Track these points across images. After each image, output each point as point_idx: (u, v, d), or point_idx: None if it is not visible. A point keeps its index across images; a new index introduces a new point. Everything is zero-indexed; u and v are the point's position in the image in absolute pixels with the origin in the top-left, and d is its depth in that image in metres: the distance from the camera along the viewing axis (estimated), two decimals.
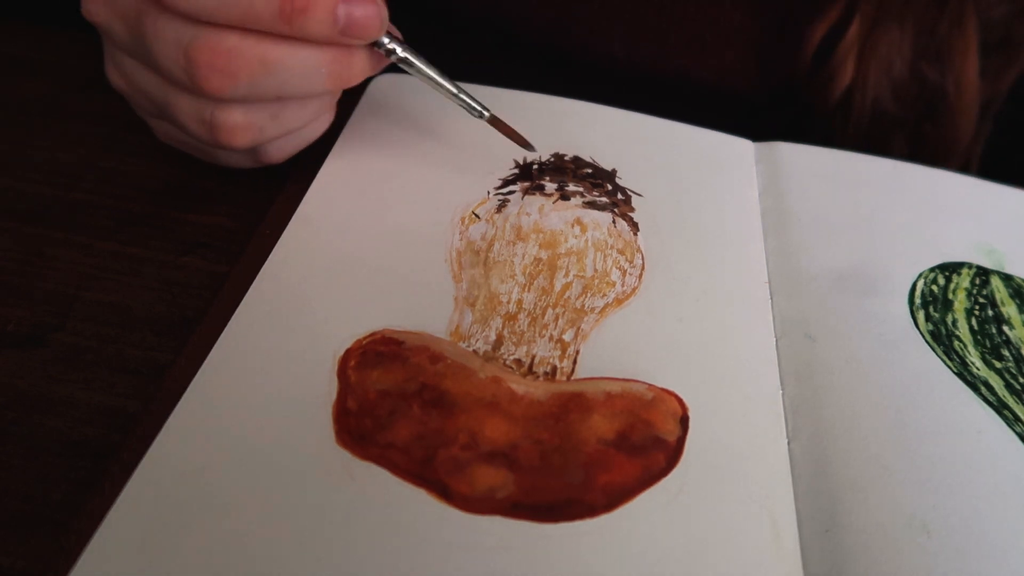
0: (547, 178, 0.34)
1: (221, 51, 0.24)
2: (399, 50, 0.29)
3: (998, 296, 0.32)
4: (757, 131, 0.38)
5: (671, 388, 0.26)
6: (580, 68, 0.43)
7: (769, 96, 0.44)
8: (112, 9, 0.26)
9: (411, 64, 0.29)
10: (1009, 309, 0.32)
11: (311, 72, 0.26)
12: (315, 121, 0.30)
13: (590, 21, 0.43)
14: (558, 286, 0.29)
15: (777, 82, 0.44)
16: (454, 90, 0.31)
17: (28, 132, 0.35)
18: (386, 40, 0.28)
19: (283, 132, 0.29)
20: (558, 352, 0.27)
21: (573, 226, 0.32)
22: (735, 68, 0.43)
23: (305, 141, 0.31)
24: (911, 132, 0.43)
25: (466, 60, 0.32)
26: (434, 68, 0.30)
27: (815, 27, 0.41)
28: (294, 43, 0.25)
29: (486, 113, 0.31)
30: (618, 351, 0.27)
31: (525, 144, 0.33)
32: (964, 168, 0.44)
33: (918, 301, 0.31)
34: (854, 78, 0.41)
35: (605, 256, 0.31)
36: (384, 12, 0.26)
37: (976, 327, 0.31)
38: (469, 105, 0.31)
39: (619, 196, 0.34)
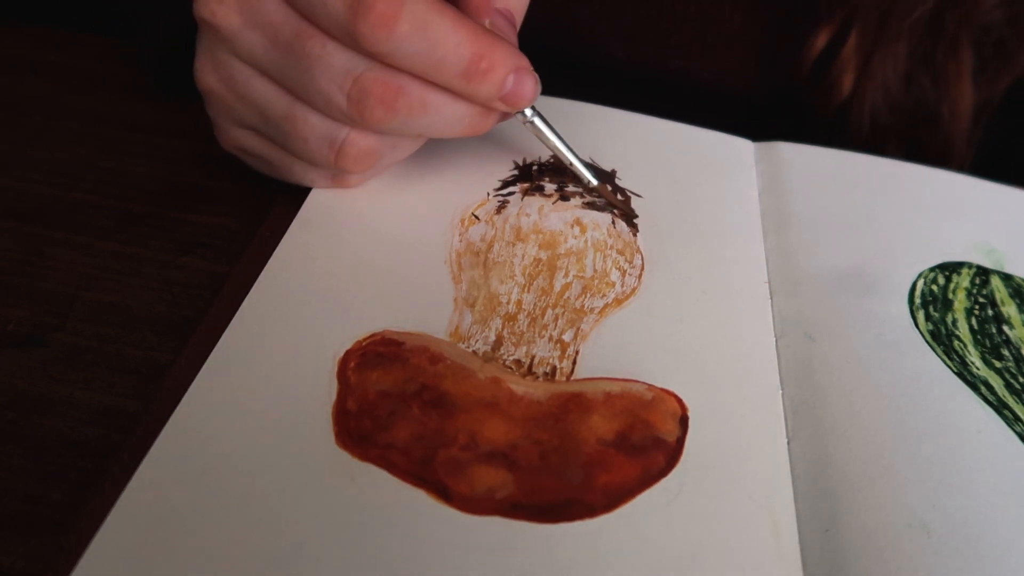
0: (546, 179, 0.34)
1: (392, 87, 0.26)
2: (537, 121, 0.31)
3: (998, 296, 0.32)
4: (757, 132, 0.38)
5: (671, 388, 0.26)
6: (581, 69, 0.43)
7: (769, 98, 0.44)
8: (251, 18, 0.26)
9: (537, 129, 0.31)
10: (1009, 309, 0.32)
11: (457, 121, 0.28)
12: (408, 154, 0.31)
13: (591, 23, 0.43)
14: (558, 287, 0.29)
15: (777, 85, 0.44)
16: (573, 159, 0.32)
17: (28, 132, 0.35)
18: (528, 112, 0.30)
19: (393, 162, 0.30)
20: (558, 352, 0.27)
21: (572, 227, 0.32)
22: (735, 70, 0.43)
23: (384, 171, 0.32)
24: (906, 141, 0.43)
25: None
26: (558, 136, 0.32)
27: (815, 36, 0.41)
28: (452, 94, 0.27)
29: (594, 183, 0.33)
30: (618, 351, 0.27)
31: (625, 212, 0.33)
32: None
33: (918, 301, 0.31)
34: (852, 91, 0.42)
35: (605, 256, 0.31)
36: (538, 88, 0.28)
37: (976, 327, 0.31)
38: (583, 175, 0.33)
39: (619, 197, 0.34)
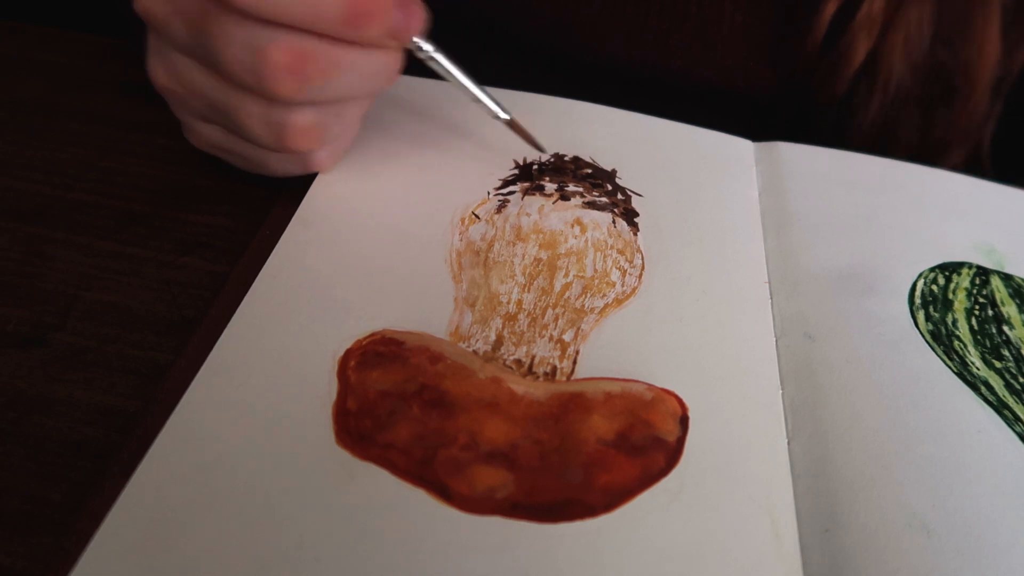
0: (547, 178, 0.34)
1: (295, 53, 0.25)
2: (431, 51, 0.30)
3: (998, 296, 0.32)
4: (761, 130, 0.38)
5: (671, 388, 0.26)
6: (581, 69, 0.43)
7: (776, 92, 0.44)
8: (172, 6, 0.26)
9: (438, 64, 0.30)
10: (1009, 309, 0.32)
11: (372, 73, 0.27)
12: (358, 124, 0.31)
13: (591, 22, 0.42)
14: (558, 286, 0.29)
15: (784, 76, 0.43)
16: (477, 91, 0.32)
17: (28, 132, 0.35)
18: (427, 47, 0.30)
19: (343, 131, 0.30)
20: (558, 352, 0.27)
21: (573, 226, 0.32)
22: (737, 67, 0.43)
23: (348, 145, 0.32)
24: (924, 113, 0.43)
25: (467, 60, 0.32)
26: (459, 68, 0.31)
27: (826, 5, 0.41)
28: (356, 46, 0.26)
29: (505, 116, 0.32)
30: (618, 351, 0.27)
31: (538, 147, 0.34)
32: (975, 150, 0.44)
33: (918, 301, 0.31)
34: (874, 56, 0.41)
35: (605, 256, 0.31)
36: (425, 16, 0.28)
37: (976, 327, 0.31)
38: (489, 107, 0.32)
39: (619, 196, 0.34)
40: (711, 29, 0.42)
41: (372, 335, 0.26)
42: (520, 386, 0.26)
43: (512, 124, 0.33)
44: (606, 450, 0.24)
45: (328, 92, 0.27)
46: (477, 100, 0.32)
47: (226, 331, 0.26)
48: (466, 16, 0.42)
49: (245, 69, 0.25)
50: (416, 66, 0.31)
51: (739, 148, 0.38)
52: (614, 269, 0.30)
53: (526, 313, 0.28)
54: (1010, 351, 0.30)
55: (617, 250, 0.31)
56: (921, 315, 0.30)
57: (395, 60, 0.28)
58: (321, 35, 0.26)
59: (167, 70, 0.28)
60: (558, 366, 0.27)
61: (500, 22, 0.43)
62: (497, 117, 0.32)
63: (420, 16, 0.27)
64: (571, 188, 0.33)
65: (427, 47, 0.30)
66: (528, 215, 0.32)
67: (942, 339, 0.30)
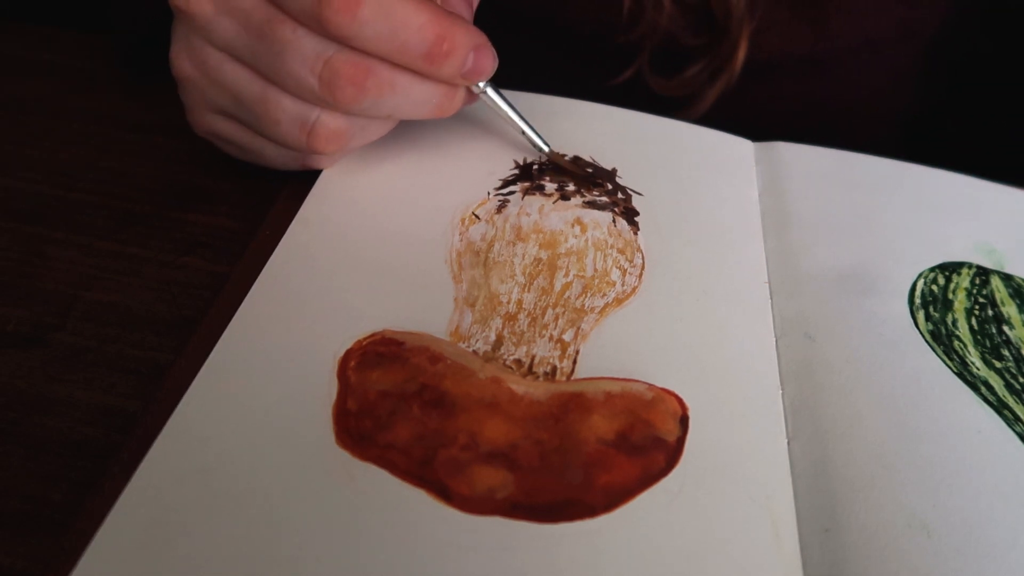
0: (547, 178, 0.34)
1: (362, 67, 0.27)
2: (490, 91, 0.32)
3: (998, 296, 0.32)
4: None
5: (671, 388, 0.26)
6: (579, 42, 0.43)
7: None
8: (224, 6, 0.27)
9: (489, 99, 0.32)
10: (1009, 309, 0.32)
11: (424, 102, 0.29)
12: (376, 137, 0.32)
13: None
14: (558, 286, 0.29)
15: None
16: (524, 127, 0.33)
17: (28, 132, 0.35)
18: (481, 83, 0.31)
19: (363, 143, 0.31)
20: (558, 352, 0.27)
21: (573, 226, 0.32)
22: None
23: (352, 152, 0.33)
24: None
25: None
26: (510, 104, 0.33)
27: None
28: (419, 76, 0.28)
29: (547, 149, 0.34)
30: (618, 351, 0.27)
31: (586, 175, 0.35)
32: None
33: (918, 301, 0.31)
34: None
35: (605, 256, 0.31)
36: (496, 61, 0.29)
37: (976, 327, 0.31)
38: (534, 142, 0.34)
39: (619, 195, 0.34)
40: None
41: (372, 335, 0.26)
42: (520, 386, 0.26)
43: (554, 156, 0.34)
44: (606, 450, 0.24)
45: (378, 109, 0.28)
46: (523, 134, 0.34)
47: (226, 331, 0.26)
48: None
49: (308, 73, 0.27)
50: None
51: (739, 148, 0.38)
52: (614, 268, 0.30)
53: (526, 313, 0.28)
54: (1010, 351, 0.30)
55: (617, 249, 0.31)
56: (921, 315, 0.30)
57: (453, 96, 0.29)
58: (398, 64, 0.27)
59: (195, 62, 0.29)
60: (558, 366, 0.27)
61: None
62: (540, 151, 0.34)
63: (492, 62, 0.29)
64: (571, 188, 0.33)
65: (482, 84, 0.31)
66: (528, 215, 0.32)
67: (942, 339, 0.30)
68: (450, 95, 0.29)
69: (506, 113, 0.33)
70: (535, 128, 0.34)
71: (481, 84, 0.31)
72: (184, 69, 0.29)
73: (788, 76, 0.45)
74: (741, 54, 0.41)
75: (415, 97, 0.28)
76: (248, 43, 0.27)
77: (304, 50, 0.26)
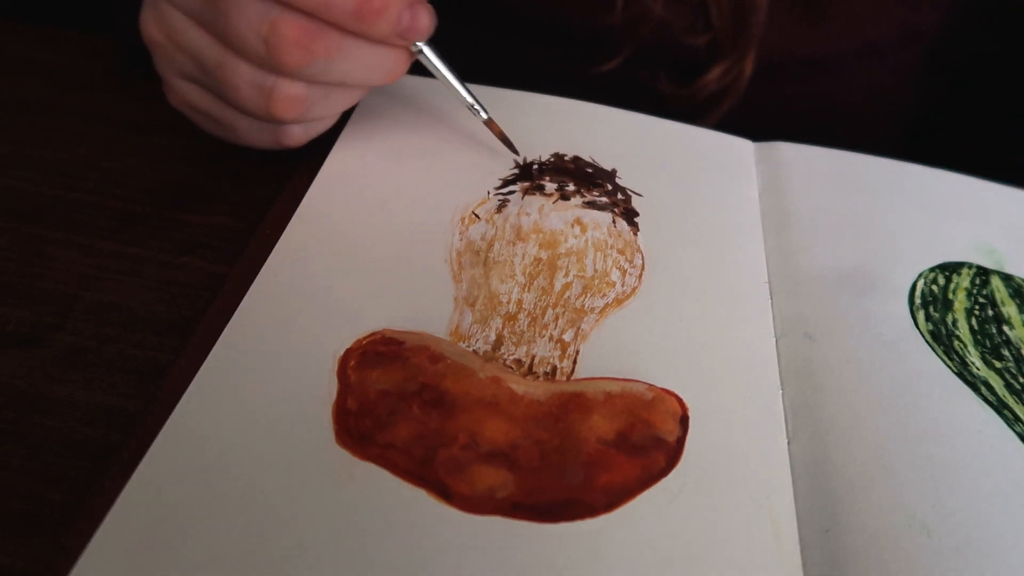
0: (547, 178, 0.34)
1: (306, 29, 0.27)
2: (427, 51, 0.31)
3: (998, 296, 0.32)
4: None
5: (671, 388, 0.26)
6: (578, 42, 0.43)
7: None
8: None
9: (426, 58, 0.31)
10: (1009, 309, 0.32)
11: (374, 67, 0.29)
12: (340, 111, 0.32)
13: None
14: (558, 286, 0.29)
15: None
16: (462, 90, 0.32)
17: (28, 132, 0.35)
18: (420, 44, 0.30)
19: (327, 114, 0.31)
20: (558, 352, 0.27)
21: (573, 226, 0.32)
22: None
23: (325, 128, 0.32)
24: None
25: (465, 39, 0.32)
26: (448, 66, 0.32)
27: None
28: (363, 39, 0.28)
29: (485, 116, 0.33)
30: (618, 351, 0.27)
31: (513, 149, 0.34)
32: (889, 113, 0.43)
33: (918, 301, 0.31)
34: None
35: (605, 256, 0.31)
36: (434, 20, 0.29)
37: (976, 327, 0.31)
38: (472, 105, 0.33)
39: (619, 196, 0.34)
40: None
41: (372, 335, 0.26)
42: (520, 386, 0.26)
43: (490, 123, 0.34)
44: (606, 450, 0.24)
45: (328, 74, 0.28)
46: (460, 96, 0.33)
47: (226, 331, 0.26)
48: None
49: (253, 35, 0.27)
50: (417, 66, 0.31)
51: (739, 148, 0.38)
52: (614, 269, 0.30)
53: (526, 313, 0.28)
54: (1010, 351, 0.30)
55: (617, 250, 0.31)
56: (921, 315, 0.30)
57: (399, 59, 0.29)
58: (331, 23, 0.27)
59: (160, 25, 0.29)
60: (558, 366, 0.27)
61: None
62: (476, 114, 0.33)
63: (428, 19, 0.29)
64: (571, 188, 0.33)
65: (423, 46, 0.30)
66: (528, 215, 0.32)
67: (942, 339, 0.30)
68: (399, 59, 0.29)
69: (445, 77, 0.32)
70: (474, 94, 0.33)
71: (419, 44, 0.30)
72: (152, 34, 0.29)
73: (790, 78, 0.45)
74: (751, 56, 0.41)
75: (364, 61, 0.28)
76: (202, 6, 0.27)
77: (248, 12, 0.26)
